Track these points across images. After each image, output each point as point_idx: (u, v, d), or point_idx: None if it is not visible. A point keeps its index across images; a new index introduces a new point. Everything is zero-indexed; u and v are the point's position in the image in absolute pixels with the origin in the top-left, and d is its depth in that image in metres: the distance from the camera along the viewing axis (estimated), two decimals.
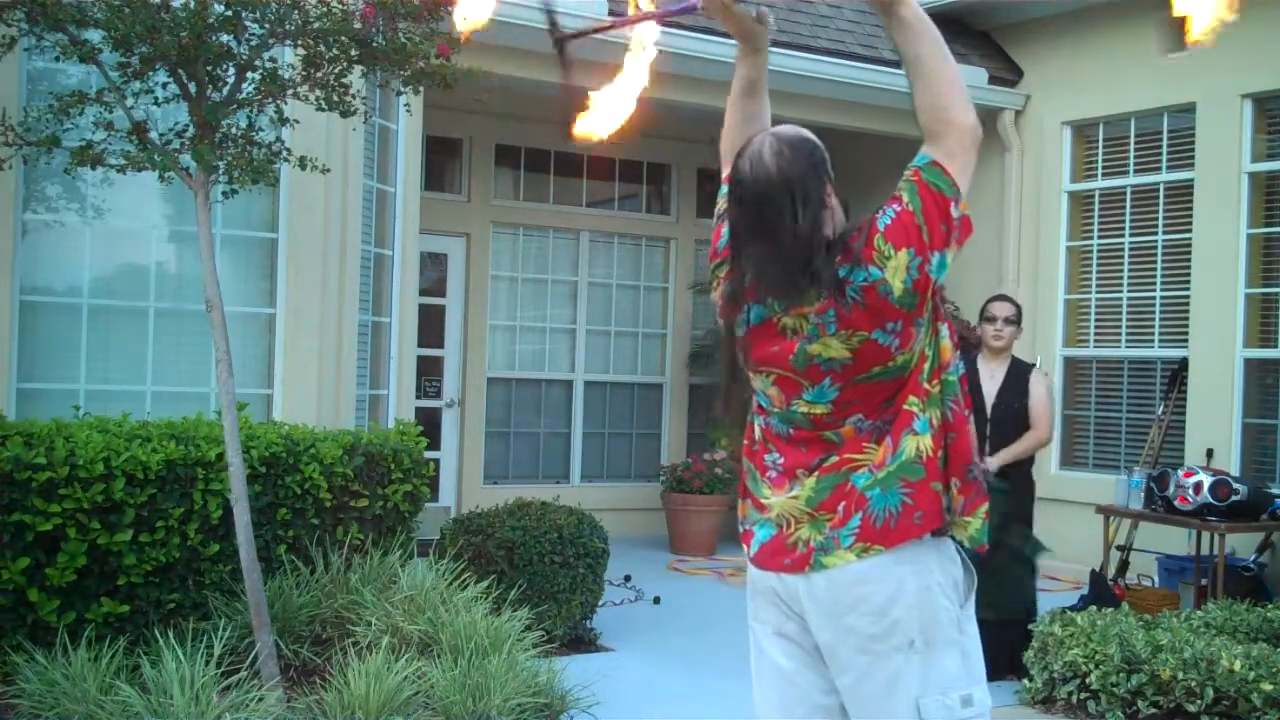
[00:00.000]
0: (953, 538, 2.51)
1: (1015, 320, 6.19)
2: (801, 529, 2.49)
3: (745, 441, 2.69)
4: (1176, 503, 7.08)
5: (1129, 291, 8.96)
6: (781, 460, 2.57)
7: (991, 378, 6.15)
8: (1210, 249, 8.29)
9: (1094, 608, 5.92)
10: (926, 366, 2.43)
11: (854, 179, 11.10)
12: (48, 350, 5.98)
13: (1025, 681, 5.56)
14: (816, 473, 2.49)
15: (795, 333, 2.45)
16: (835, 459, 2.47)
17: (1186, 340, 8.45)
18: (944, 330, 2.46)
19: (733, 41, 2.73)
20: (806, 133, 2.49)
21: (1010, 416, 6.08)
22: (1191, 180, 8.45)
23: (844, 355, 2.41)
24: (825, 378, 2.45)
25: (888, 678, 2.46)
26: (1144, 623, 5.67)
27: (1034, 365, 6.46)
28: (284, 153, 5.09)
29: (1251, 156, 8.16)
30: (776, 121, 2.66)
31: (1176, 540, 7.88)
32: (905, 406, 2.42)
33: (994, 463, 5.87)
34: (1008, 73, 9.64)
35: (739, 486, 2.72)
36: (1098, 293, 9.17)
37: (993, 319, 6.16)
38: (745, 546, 2.65)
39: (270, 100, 4.94)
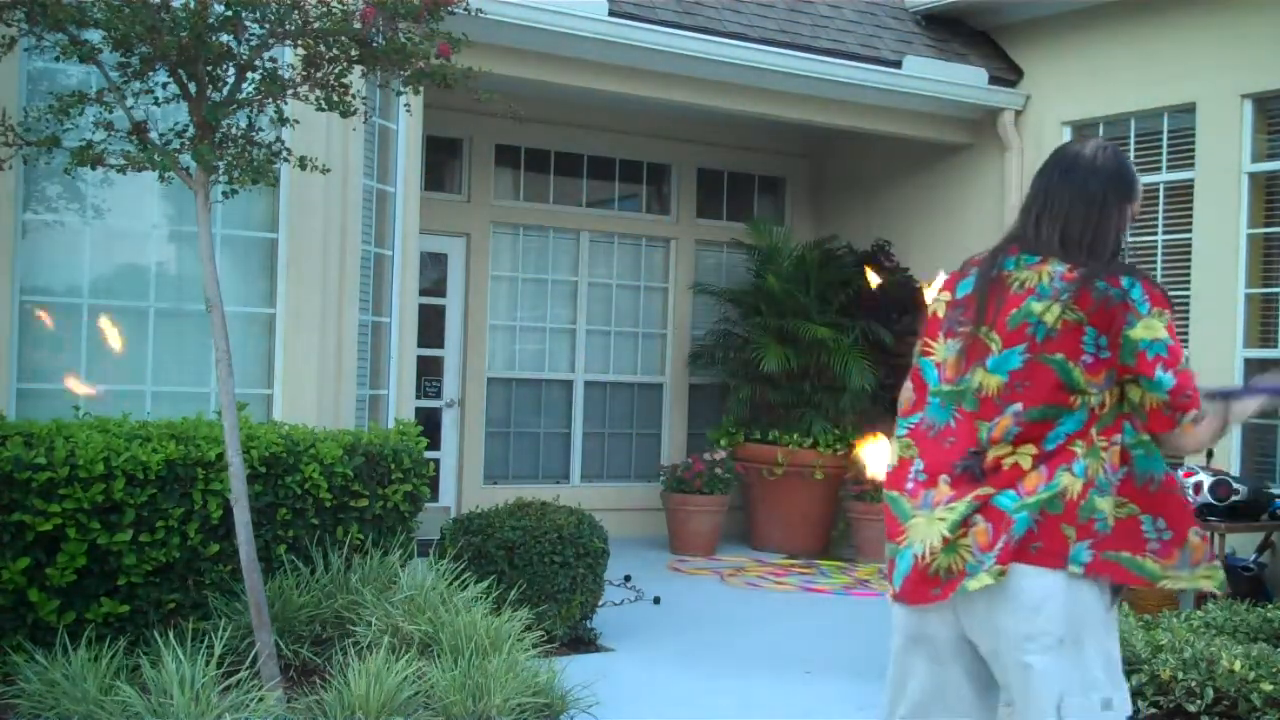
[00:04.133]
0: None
1: None
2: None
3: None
4: None
5: None
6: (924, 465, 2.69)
7: None
8: (1210, 249, 8.29)
9: None
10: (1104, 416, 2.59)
11: (855, 179, 11.13)
12: (48, 350, 5.98)
13: None
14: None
15: (1024, 288, 2.62)
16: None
17: (1187, 340, 8.45)
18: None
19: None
20: (1126, 162, 2.80)
21: None
22: (1191, 180, 8.45)
23: (1053, 323, 2.56)
24: (1023, 343, 2.58)
25: (1037, 674, 2.53)
26: (1144, 623, 5.67)
27: None
28: (284, 153, 5.08)
29: (1252, 156, 8.16)
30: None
31: None
32: (1070, 447, 2.55)
33: None
34: (1008, 73, 9.64)
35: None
36: None
37: None
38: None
39: (270, 100, 4.93)
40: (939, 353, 2.72)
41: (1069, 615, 2.51)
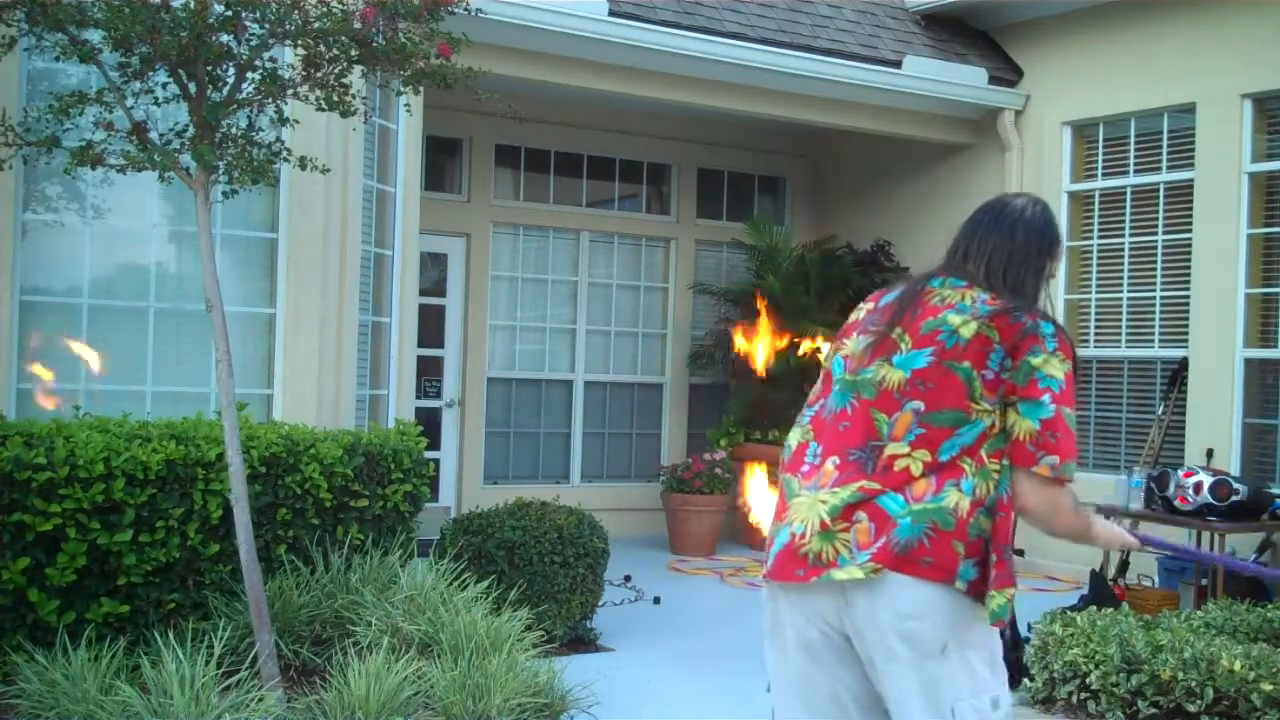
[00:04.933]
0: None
1: None
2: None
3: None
4: (1176, 503, 7.07)
5: (1129, 291, 8.96)
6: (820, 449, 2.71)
7: None
8: (1210, 249, 8.29)
9: (1094, 608, 5.92)
10: (993, 437, 2.62)
11: (855, 179, 11.13)
12: (48, 350, 5.98)
13: (1026, 681, 5.56)
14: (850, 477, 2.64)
15: (945, 302, 2.70)
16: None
17: (1186, 340, 8.45)
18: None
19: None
20: (1053, 218, 2.91)
21: None
22: (1191, 180, 8.45)
23: (968, 336, 2.62)
24: (932, 347, 2.63)
25: (926, 683, 2.56)
26: (1144, 623, 5.67)
27: None
28: (284, 153, 5.08)
29: (1252, 156, 8.16)
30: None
31: (1177, 540, 7.88)
32: (960, 463, 2.59)
33: None
34: (1008, 73, 9.64)
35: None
36: (1098, 293, 9.17)
37: None
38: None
39: (270, 100, 4.93)
40: (849, 348, 2.80)
41: (954, 624, 2.55)
